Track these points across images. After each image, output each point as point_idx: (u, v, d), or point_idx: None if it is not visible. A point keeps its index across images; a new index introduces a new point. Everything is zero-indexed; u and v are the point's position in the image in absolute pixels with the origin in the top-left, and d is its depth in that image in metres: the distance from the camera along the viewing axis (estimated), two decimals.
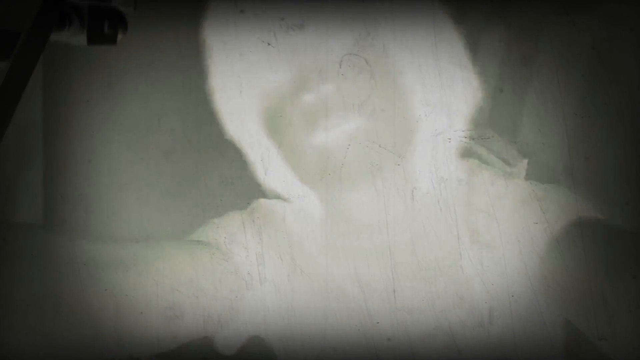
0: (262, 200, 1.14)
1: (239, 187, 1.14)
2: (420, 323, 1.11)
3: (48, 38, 0.69)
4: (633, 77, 1.15)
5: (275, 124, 1.15)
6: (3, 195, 1.16)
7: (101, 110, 1.17)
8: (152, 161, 1.15)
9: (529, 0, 1.17)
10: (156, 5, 1.18)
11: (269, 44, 1.16)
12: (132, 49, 1.17)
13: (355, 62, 1.16)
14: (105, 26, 0.75)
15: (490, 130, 1.15)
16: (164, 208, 1.15)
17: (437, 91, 1.15)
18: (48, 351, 1.14)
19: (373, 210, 1.13)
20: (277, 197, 1.14)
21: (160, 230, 1.15)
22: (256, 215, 1.13)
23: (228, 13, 1.17)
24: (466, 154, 1.15)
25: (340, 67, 1.16)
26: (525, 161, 1.12)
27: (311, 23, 1.16)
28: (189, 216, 1.14)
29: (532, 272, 1.12)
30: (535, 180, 1.14)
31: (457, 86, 1.15)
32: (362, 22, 1.16)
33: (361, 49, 1.16)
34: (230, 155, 1.15)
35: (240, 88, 1.16)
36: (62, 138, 1.16)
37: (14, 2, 0.66)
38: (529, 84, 1.15)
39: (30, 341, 1.14)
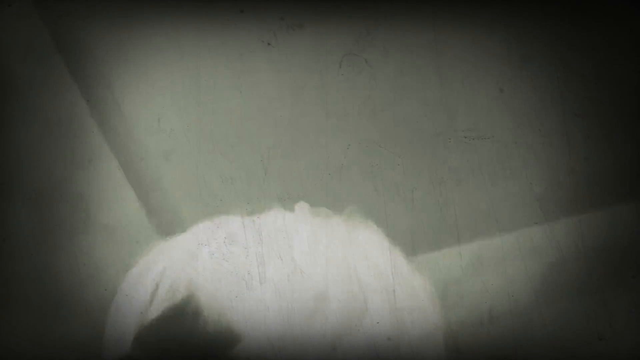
0: (262, 200, 1.14)
1: (239, 186, 1.14)
2: (420, 323, 1.12)
3: None
4: (633, 77, 1.16)
5: (275, 123, 1.15)
6: (3, 195, 1.16)
7: (101, 110, 1.17)
8: (152, 161, 1.16)
9: (530, 1, 1.17)
10: (156, 4, 1.18)
11: (269, 44, 1.16)
12: (132, 49, 1.17)
13: (355, 62, 1.16)
14: None
15: (490, 130, 1.15)
16: (164, 208, 1.15)
17: (437, 91, 1.16)
18: (48, 351, 1.14)
19: (373, 210, 1.14)
20: (277, 197, 1.14)
21: (160, 230, 1.15)
22: (256, 215, 1.13)
23: (228, 13, 1.17)
24: (467, 154, 1.15)
25: (340, 67, 1.16)
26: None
27: (311, 23, 1.16)
28: (189, 216, 1.14)
29: (532, 272, 1.12)
30: (536, 180, 1.14)
31: (457, 86, 1.16)
32: (362, 22, 1.16)
33: (361, 49, 1.16)
34: (230, 155, 1.15)
35: (240, 88, 1.16)
36: (62, 138, 1.16)
37: None
38: (529, 84, 1.15)
39: (30, 341, 1.14)
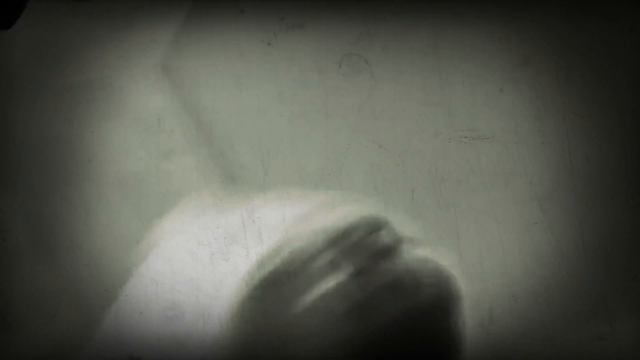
0: (262, 200, 1.14)
1: (239, 186, 1.14)
2: (420, 323, 1.11)
3: None
4: (633, 77, 1.16)
5: (275, 123, 1.15)
6: (3, 195, 1.16)
7: (101, 110, 1.17)
8: (152, 161, 1.16)
9: (530, 1, 1.17)
10: (156, 4, 1.18)
11: (269, 44, 1.16)
12: (132, 48, 1.17)
13: (355, 62, 1.16)
14: None
15: (490, 130, 1.15)
16: (164, 208, 1.15)
17: (437, 91, 1.16)
18: (48, 351, 1.14)
19: (373, 210, 1.14)
20: (277, 196, 1.14)
21: (160, 230, 1.15)
22: (256, 215, 1.14)
23: (228, 13, 1.17)
24: (467, 154, 1.15)
25: (340, 67, 1.16)
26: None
27: (311, 23, 1.16)
28: (190, 216, 1.14)
29: (532, 272, 1.12)
30: (536, 180, 1.14)
31: (457, 86, 1.16)
32: (362, 22, 1.16)
33: (361, 49, 1.16)
34: (230, 155, 1.15)
35: (240, 88, 1.16)
36: (62, 138, 1.16)
37: None
38: (529, 84, 1.15)
39: (30, 341, 1.14)
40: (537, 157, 1.14)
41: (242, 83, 1.16)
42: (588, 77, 1.15)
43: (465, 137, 1.15)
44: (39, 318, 1.14)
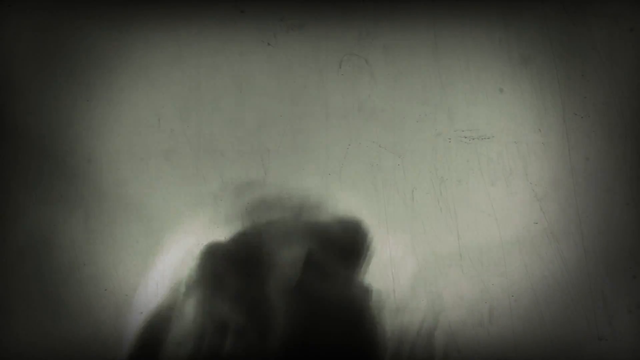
0: (262, 201, 1.14)
1: (239, 186, 1.14)
2: (420, 323, 1.11)
3: None
4: (633, 77, 1.16)
5: (275, 123, 1.15)
6: (3, 195, 1.16)
7: (101, 110, 1.17)
8: (152, 161, 1.15)
9: (530, 1, 1.17)
10: (156, 4, 1.18)
11: (269, 44, 1.16)
12: (132, 49, 1.17)
13: (355, 62, 1.16)
14: None
15: (490, 130, 1.15)
16: (164, 208, 1.15)
17: (437, 91, 1.16)
18: (48, 351, 1.14)
19: (373, 210, 1.13)
20: (277, 196, 1.14)
21: (160, 230, 1.15)
22: (256, 215, 1.14)
23: (228, 13, 1.17)
24: (467, 154, 1.15)
25: (340, 67, 1.16)
26: None
27: (311, 23, 1.16)
28: (189, 216, 1.14)
29: (532, 272, 1.12)
30: (535, 180, 1.14)
31: (457, 86, 1.16)
32: (362, 22, 1.16)
33: (361, 49, 1.16)
34: (230, 155, 1.15)
35: (240, 88, 1.16)
36: (62, 138, 1.16)
37: None
38: (529, 84, 1.15)
39: (30, 341, 1.14)
40: (537, 157, 1.14)
41: (242, 83, 1.16)
42: (588, 77, 1.16)
43: (465, 137, 1.15)
44: (39, 318, 1.14)
